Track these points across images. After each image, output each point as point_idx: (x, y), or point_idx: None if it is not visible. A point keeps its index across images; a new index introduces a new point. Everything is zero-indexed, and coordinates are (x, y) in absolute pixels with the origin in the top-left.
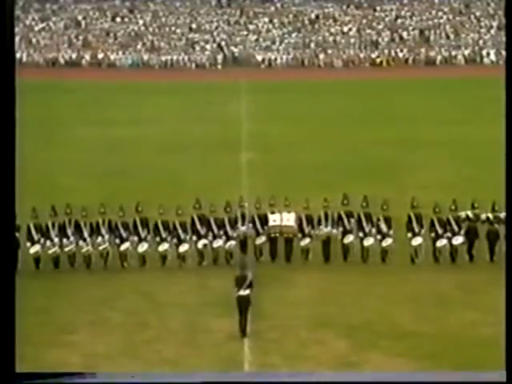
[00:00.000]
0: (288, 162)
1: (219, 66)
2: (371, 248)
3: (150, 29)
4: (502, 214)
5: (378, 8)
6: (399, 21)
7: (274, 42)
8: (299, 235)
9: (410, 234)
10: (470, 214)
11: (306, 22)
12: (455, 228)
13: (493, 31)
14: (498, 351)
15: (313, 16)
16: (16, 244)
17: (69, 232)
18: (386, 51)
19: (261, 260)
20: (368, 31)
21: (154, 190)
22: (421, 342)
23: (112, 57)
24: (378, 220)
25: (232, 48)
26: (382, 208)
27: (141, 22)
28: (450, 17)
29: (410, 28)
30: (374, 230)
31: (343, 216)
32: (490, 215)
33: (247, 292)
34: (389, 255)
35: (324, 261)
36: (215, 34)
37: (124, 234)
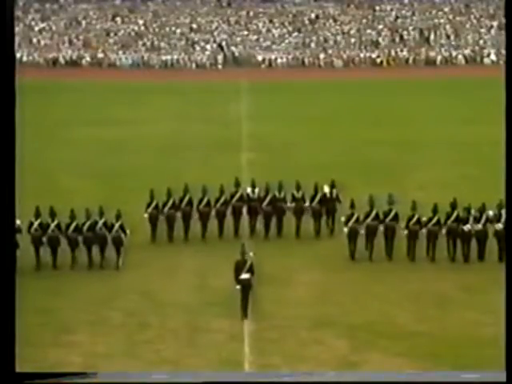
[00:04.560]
0: (288, 162)
1: (219, 66)
2: None
3: (150, 29)
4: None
5: (378, 8)
6: (399, 21)
7: (274, 42)
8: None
9: None
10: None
11: (306, 21)
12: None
13: (493, 31)
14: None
15: (313, 16)
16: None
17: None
18: (386, 51)
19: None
20: (368, 31)
21: (154, 190)
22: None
23: (112, 57)
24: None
25: (232, 48)
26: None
27: (141, 21)
28: (450, 17)
29: (410, 28)
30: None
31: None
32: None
33: (248, 276)
34: None
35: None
36: (215, 33)
37: None
